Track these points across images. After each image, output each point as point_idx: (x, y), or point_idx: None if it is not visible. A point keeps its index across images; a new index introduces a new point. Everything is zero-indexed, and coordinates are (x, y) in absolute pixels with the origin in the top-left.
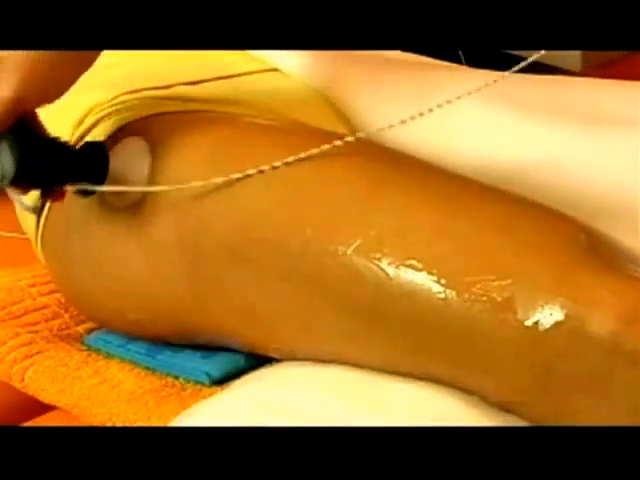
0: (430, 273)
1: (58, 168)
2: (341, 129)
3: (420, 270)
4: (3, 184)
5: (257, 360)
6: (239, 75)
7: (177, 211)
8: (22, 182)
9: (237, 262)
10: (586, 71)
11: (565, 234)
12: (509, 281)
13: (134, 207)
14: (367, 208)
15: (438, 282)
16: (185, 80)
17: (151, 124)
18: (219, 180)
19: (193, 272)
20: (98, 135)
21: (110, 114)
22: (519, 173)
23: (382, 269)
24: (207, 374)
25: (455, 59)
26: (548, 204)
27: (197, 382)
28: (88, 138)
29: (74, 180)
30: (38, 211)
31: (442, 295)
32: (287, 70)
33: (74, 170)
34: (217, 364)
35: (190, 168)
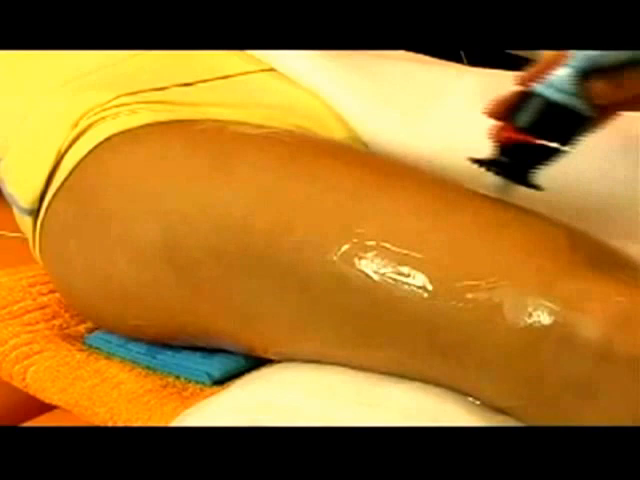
0: (417, 279)
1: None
2: (337, 131)
3: (407, 276)
4: None
5: (258, 360)
6: (236, 75)
7: (161, 217)
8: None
9: (224, 267)
10: None
11: (554, 239)
12: (497, 287)
13: (121, 215)
14: (354, 214)
15: (425, 288)
16: (182, 81)
17: (143, 134)
18: None
19: (182, 278)
20: (90, 139)
21: (105, 118)
22: None
23: (369, 276)
24: (207, 374)
25: (456, 59)
26: (541, 206)
27: (198, 382)
28: (82, 141)
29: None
30: (34, 214)
31: (430, 302)
32: (284, 70)
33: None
34: (218, 364)
35: (174, 180)
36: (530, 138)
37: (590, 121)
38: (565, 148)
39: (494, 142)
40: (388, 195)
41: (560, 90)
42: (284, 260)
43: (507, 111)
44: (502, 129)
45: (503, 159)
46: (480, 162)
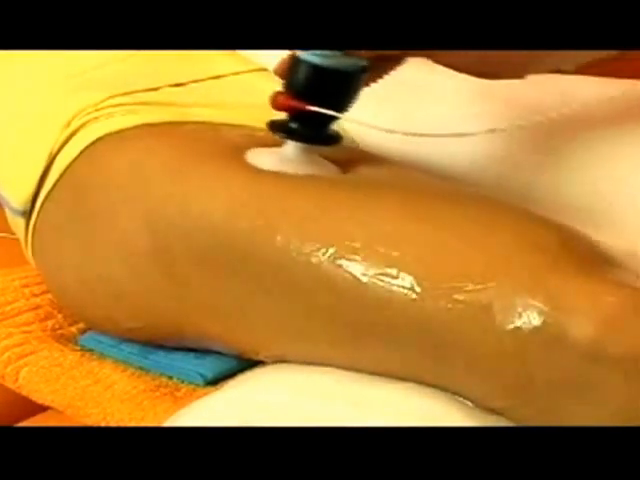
0: (405, 281)
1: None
2: None
3: (395, 278)
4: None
5: (251, 360)
6: (227, 75)
7: (148, 218)
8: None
9: (209, 268)
10: (578, 70)
11: (543, 238)
12: (487, 287)
13: (111, 215)
14: (340, 216)
15: (413, 290)
16: (174, 81)
17: (135, 134)
18: None
19: (170, 279)
20: (82, 139)
21: (97, 118)
22: (506, 172)
23: (356, 277)
24: (200, 375)
25: None
26: (530, 203)
27: (191, 382)
28: (74, 141)
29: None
30: (27, 215)
31: (418, 303)
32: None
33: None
34: (210, 365)
35: (159, 181)
36: (302, 105)
37: (362, 76)
38: (339, 114)
39: (273, 108)
40: (376, 196)
41: (323, 54)
42: (269, 261)
43: (286, 75)
44: (278, 95)
45: (293, 125)
46: (273, 129)
